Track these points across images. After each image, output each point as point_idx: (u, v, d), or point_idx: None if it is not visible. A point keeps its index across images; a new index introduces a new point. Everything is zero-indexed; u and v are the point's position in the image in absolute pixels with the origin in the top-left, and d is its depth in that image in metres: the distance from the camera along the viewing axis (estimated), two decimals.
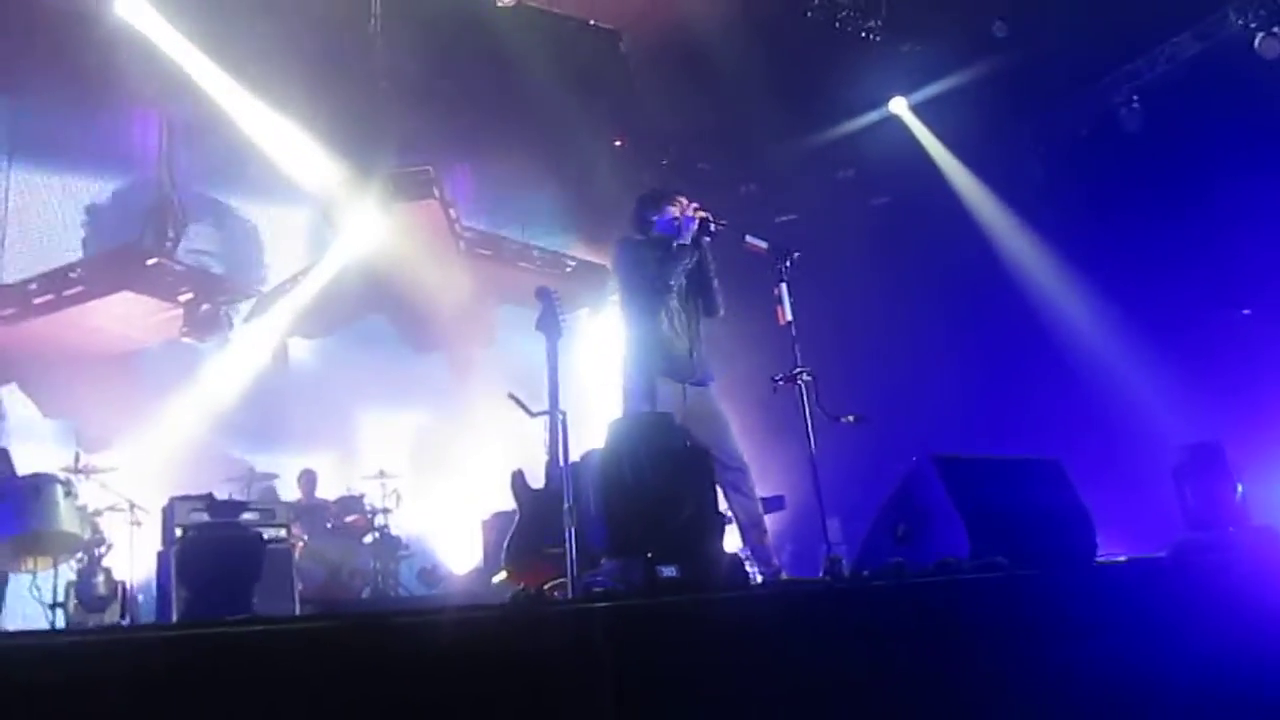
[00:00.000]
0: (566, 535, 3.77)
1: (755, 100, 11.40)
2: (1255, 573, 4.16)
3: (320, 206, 9.92)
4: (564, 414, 4.22)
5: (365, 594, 9.03)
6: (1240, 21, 9.63)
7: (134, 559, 7.52)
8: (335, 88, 9.57)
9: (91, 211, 9.89)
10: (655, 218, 5.51)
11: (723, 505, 4.56)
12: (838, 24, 10.58)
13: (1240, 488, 5.48)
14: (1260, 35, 9.43)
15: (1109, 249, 10.01)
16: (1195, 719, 3.39)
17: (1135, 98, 10.46)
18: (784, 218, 11.55)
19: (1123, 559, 4.76)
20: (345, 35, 9.58)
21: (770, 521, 8.49)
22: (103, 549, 7.23)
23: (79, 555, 6.96)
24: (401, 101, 9.43)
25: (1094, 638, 3.41)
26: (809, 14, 10.36)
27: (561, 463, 3.99)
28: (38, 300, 8.73)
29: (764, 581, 4.78)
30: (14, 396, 9.30)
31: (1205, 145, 9.48)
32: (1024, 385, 10.41)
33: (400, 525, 9.77)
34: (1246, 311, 8.07)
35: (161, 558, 6.46)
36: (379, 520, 9.56)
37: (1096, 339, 10.13)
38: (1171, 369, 9.12)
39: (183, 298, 8.92)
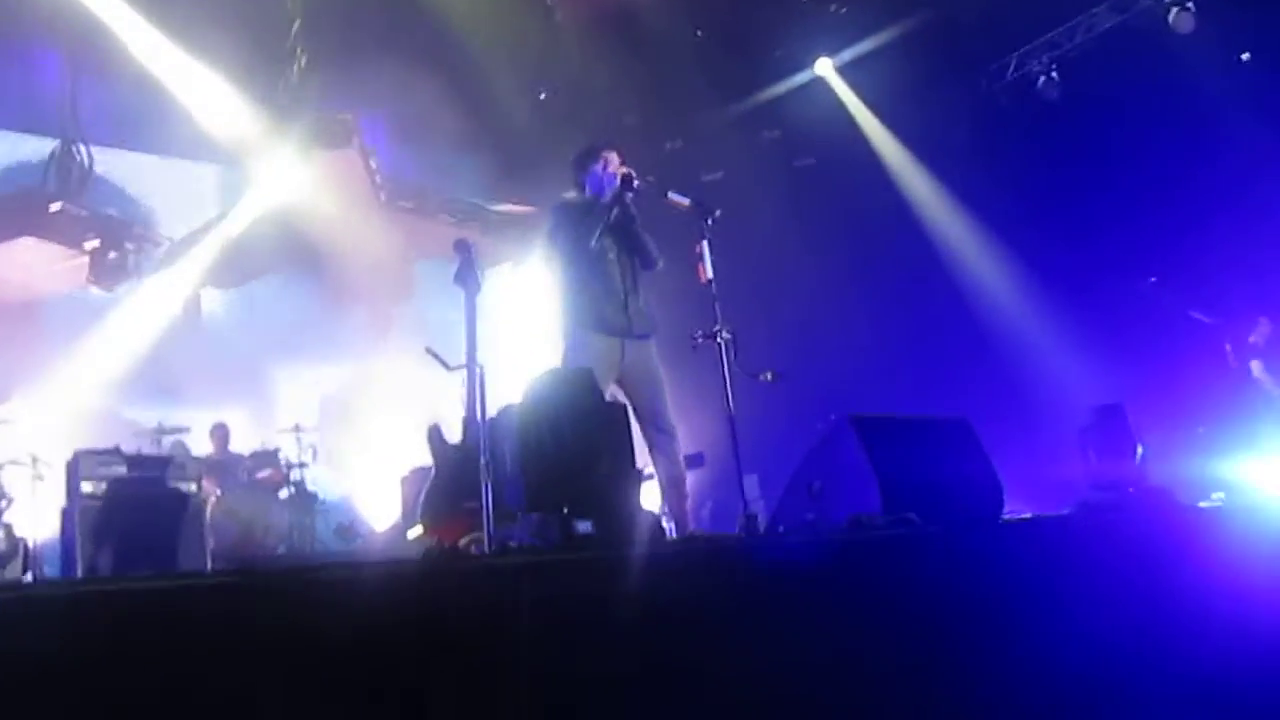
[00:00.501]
0: (483, 490, 3.74)
1: (683, 56, 11.36)
2: (1151, 532, 4.30)
3: (233, 154, 9.60)
4: (482, 368, 4.18)
5: (280, 550, 8.91)
6: None
7: (36, 515, 7.30)
8: (251, 31, 9.25)
9: None
10: (583, 176, 5.56)
11: (641, 462, 4.59)
12: None
13: (1141, 449, 5.66)
14: (1174, 10, 9.63)
15: (1025, 215, 10.22)
16: (1093, 673, 3.50)
17: (1054, 67, 10.62)
18: (709, 176, 11.54)
19: (1027, 516, 4.90)
20: None
21: (689, 478, 8.60)
22: (2, 504, 7.01)
23: None
24: (320, 48, 9.16)
25: (998, 593, 3.50)
26: None
27: (479, 418, 3.96)
28: None
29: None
30: None
31: (1119, 117, 9.70)
32: (938, 346, 10.64)
33: (317, 481, 9.64)
34: (1153, 279, 8.31)
35: (66, 514, 6.28)
36: (295, 475, 9.43)
37: (1010, 303, 10.37)
38: (1081, 333, 9.39)
39: (89, 245, 8.57)
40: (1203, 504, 5.64)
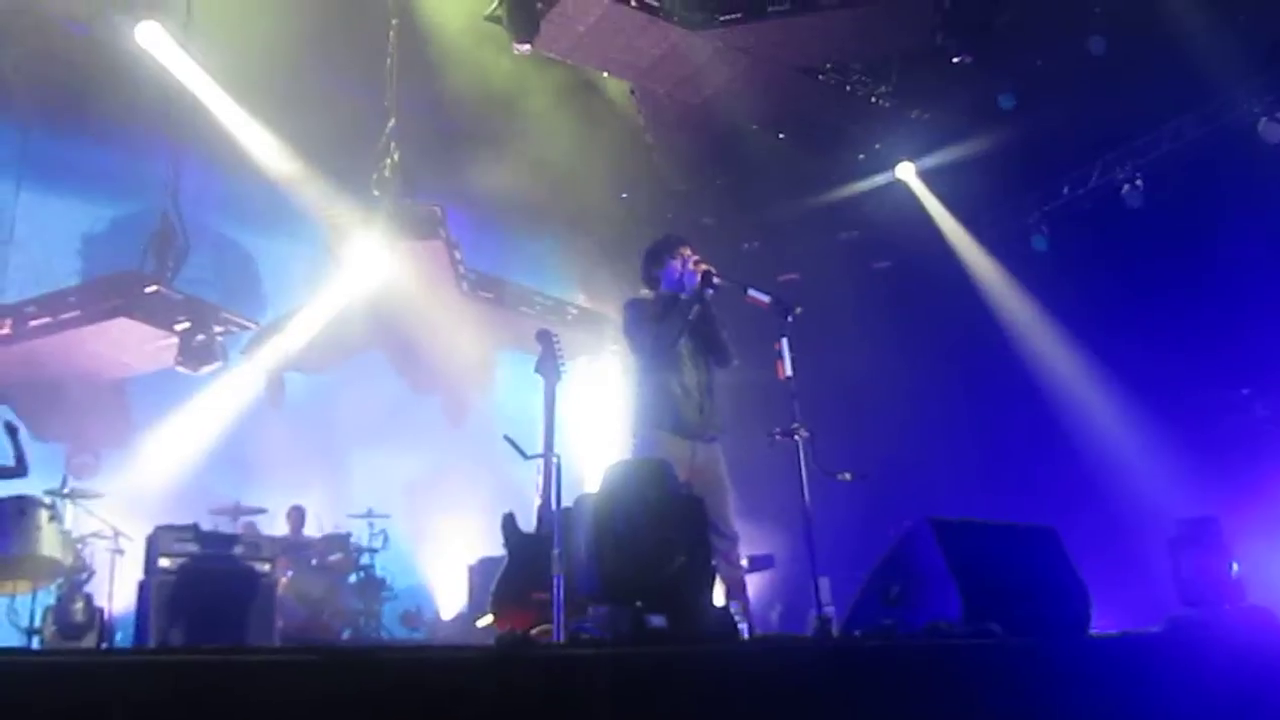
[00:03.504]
0: (555, 580, 3.72)
1: (762, 159, 11.53)
2: (1248, 651, 4.11)
3: (323, 241, 9.92)
4: (558, 458, 4.19)
5: (346, 635, 8.93)
6: (1244, 105, 9.76)
7: (115, 587, 7.44)
8: (345, 122, 9.65)
9: (93, 237, 9.92)
10: (659, 272, 5.54)
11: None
12: (849, 88, 10.71)
13: (1235, 565, 5.43)
14: (1263, 120, 9.54)
15: (1110, 323, 10.04)
16: None
17: (1138, 175, 10.54)
18: (785, 276, 11.59)
19: (1116, 633, 4.71)
20: (358, 72, 9.69)
21: (759, 580, 8.47)
22: (84, 575, 7.15)
23: (59, 581, 6.88)
24: (410, 139, 9.49)
25: (1085, 711, 3.36)
26: (821, 76, 10.48)
27: (554, 506, 3.95)
28: (34, 323, 8.67)
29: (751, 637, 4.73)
30: (5, 418, 9.25)
31: (1206, 225, 9.55)
32: (1022, 453, 10.42)
33: (386, 567, 9.69)
34: (1245, 391, 8.08)
35: (142, 586, 6.37)
36: (364, 560, 9.50)
37: (1096, 410, 10.13)
38: (1170, 444, 9.11)
39: (179, 327, 8.85)
40: None
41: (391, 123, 9.31)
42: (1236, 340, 9.16)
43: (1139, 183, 10.52)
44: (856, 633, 4.33)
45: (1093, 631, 4.52)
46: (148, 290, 8.68)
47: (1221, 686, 3.70)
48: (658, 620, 3.19)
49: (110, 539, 7.63)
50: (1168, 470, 8.94)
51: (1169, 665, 3.80)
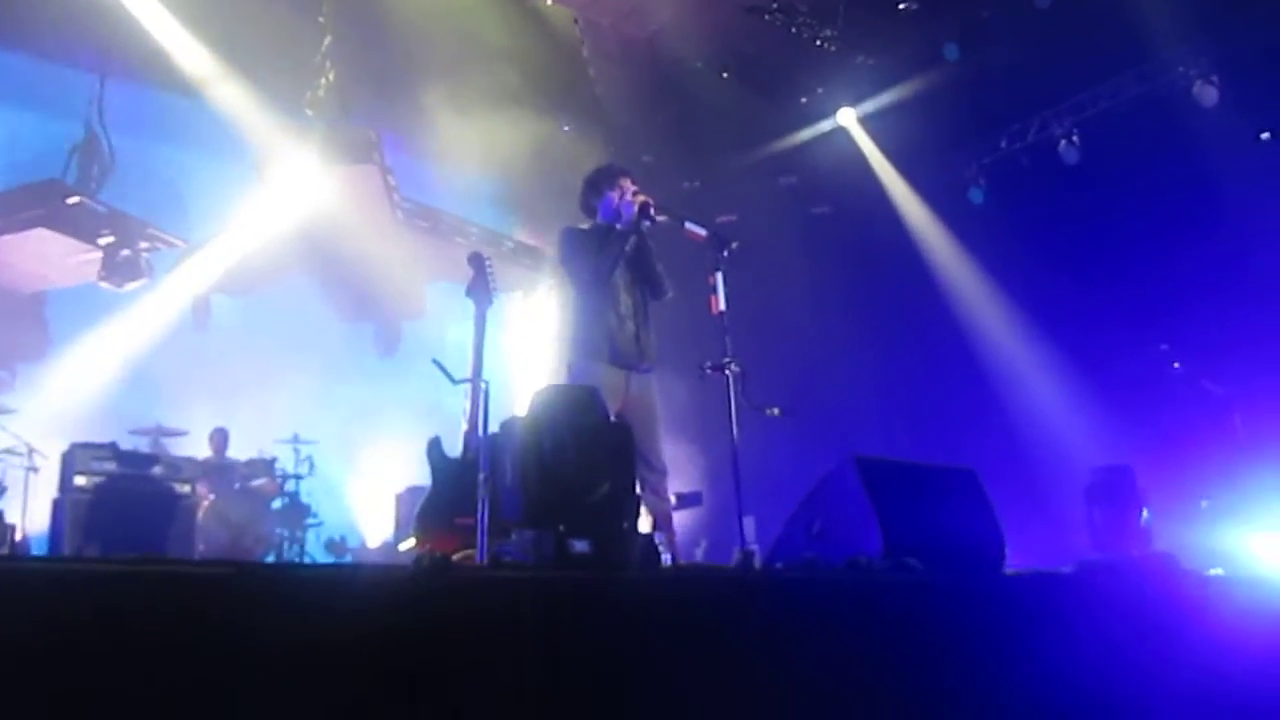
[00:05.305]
0: (479, 505, 3.70)
1: (705, 98, 11.43)
2: (1153, 596, 4.24)
3: (253, 160, 9.63)
4: (486, 384, 4.15)
5: (269, 561, 8.85)
6: (1180, 68, 9.89)
7: (29, 505, 7.28)
8: (278, 42, 9.32)
9: (12, 145, 9.51)
10: (597, 201, 5.50)
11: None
12: (794, 29, 10.63)
13: (1146, 513, 5.60)
14: (1199, 83, 9.69)
15: (1039, 274, 10.22)
16: None
17: (1075, 131, 10.67)
18: (724, 217, 11.54)
19: (1028, 571, 4.84)
20: None
21: (687, 517, 8.55)
22: None
23: None
24: (346, 62, 9.23)
25: (996, 645, 3.45)
26: (767, 16, 10.39)
27: (480, 432, 3.92)
28: None
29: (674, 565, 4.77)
30: None
31: (1138, 183, 9.72)
32: (947, 396, 10.63)
33: (312, 494, 9.60)
34: (1164, 346, 8.29)
35: (57, 505, 6.26)
36: (289, 486, 9.39)
37: (1020, 359, 10.36)
38: (1089, 395, 9.36)
39: (103, 241, 8.57)
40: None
41: (327, 41, 9.06)
42: (1159, 297, 9.39)
43: (1075, 139, 10.65)
44: (778, 565, 4.39)
45: (1007, 570, 4.63)
46: (70, 201, 8.39)
47: (1125, 625, 3.82)
48: (581, 545, 3.19)
49: (24, 456, 7.44)
50: (1087, 420, 9.20)
51: (1077, 604, 3.90)
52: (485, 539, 3.63)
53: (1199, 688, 3.75)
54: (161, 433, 8.85)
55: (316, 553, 9.51)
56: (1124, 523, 5.56)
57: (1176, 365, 8.34)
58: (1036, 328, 10.27)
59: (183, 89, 9.25)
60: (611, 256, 5.21)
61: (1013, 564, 4.74)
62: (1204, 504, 7.93)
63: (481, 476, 3.70)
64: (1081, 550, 5.52)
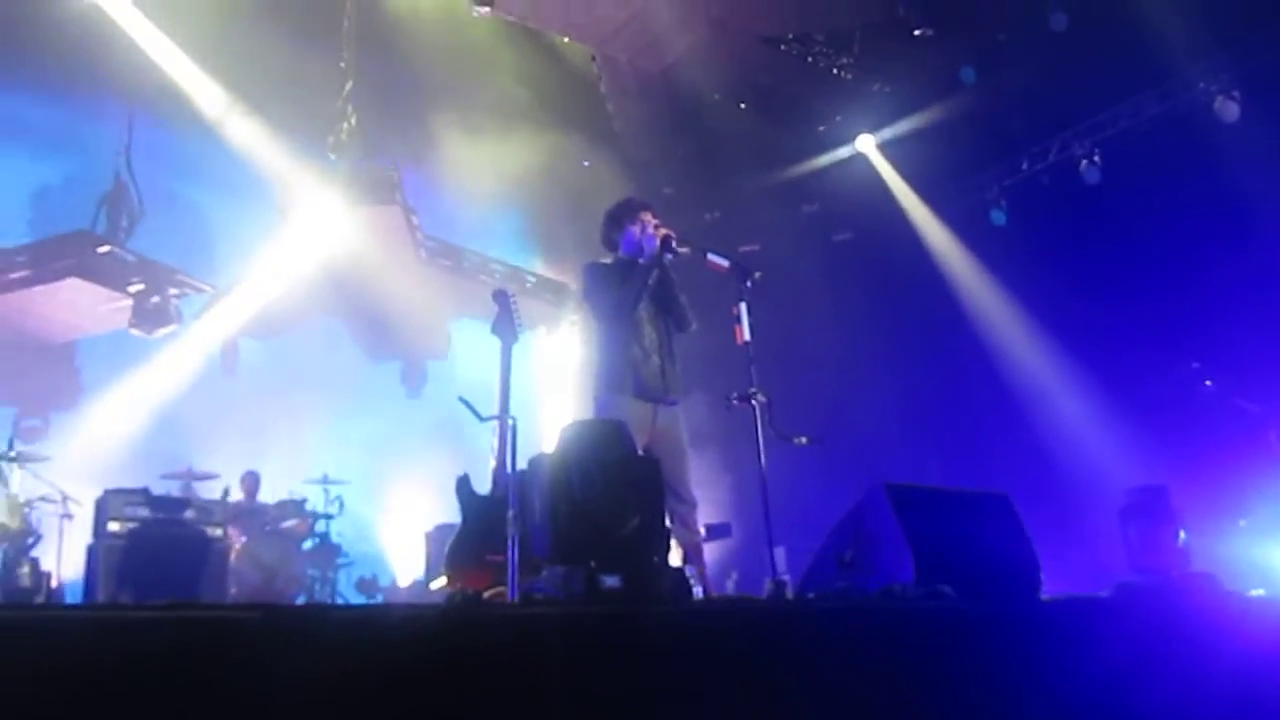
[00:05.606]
0: (509, 542, 3.69)
1: (724, 129, 11.48)
2: (1193, 618, 4.17)
3: (278, 204, 9.74)
4: (514, 420, 4.16)
5: (300, 601, 8.86)
6: (1201, 84, 9.85)
7: (63, 553, 7.33)
8: (301, 84, 9.46)
9: (43, 196, 9.68)
10: (619, 236, 5.52)
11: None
12: (810, 59, 10.69)
13: (1183, 534, 5.52)
14: (1219, 98, 9.64)
15: (1064, 295, 10.15)
16: None
17: (1097, 151, 10.62)
18: (746, 247, 11.58)
19: (1065, 596, 4.77)
20: (316, 34, 9.51)
21: (717, 548, 8.50)
22: (30, 540, 7.03)
23: (5, 545, 6.77)
24: (367, 103, 9.35)
25: (1034, 672, 3.40)
26: (783, 47, 10.45)
27: (509, 468, 3.92)
28: None
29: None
30: None
31: (1162, 201, 9.65)
32: (976, 422, 10.55)
33: (343, 534, 9.62)
34: (1195, 364, 8.19)
35: (91, 551, 6.30)
36: (320, 526, 9.42)
37: (1048, 380, 10.27)
38: (1121, 415, 9.27)
39: (133, 289, 8.70)
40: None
41: (349, 85, 9.17)
42: (1188, 315, 9.29)
43: (1097, 158, 10.61)
44: (810, 595, 4.35)
45: (1043, 596, 4.57)
46: (100, 250, 8.52)
47: (1166, 649, 3.76)
48: (612, 580, 3.18)
49: (58, 503, 7.50)
50: (1119, 440, 9.10)
51: (1116, 628, 3.84)
52: (516, 576, 3.62)
53: (1243, 710, 3.68)
54: (193, 477, 8.90)
55: (348, 593, 9.52)
56: (1161, 543, 5.47)
57: (1209, 383, 8.24)
58: (1063, 349, 10.19)
59: (207, 134, 9.39)
60: (634, 291, 5.22)
61: (1049, 588, 4.67)
62: (1242, 523, 7.81)
63: (511, 513, 3.70)
64: (1119, 572, 5.43)
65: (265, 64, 9.42)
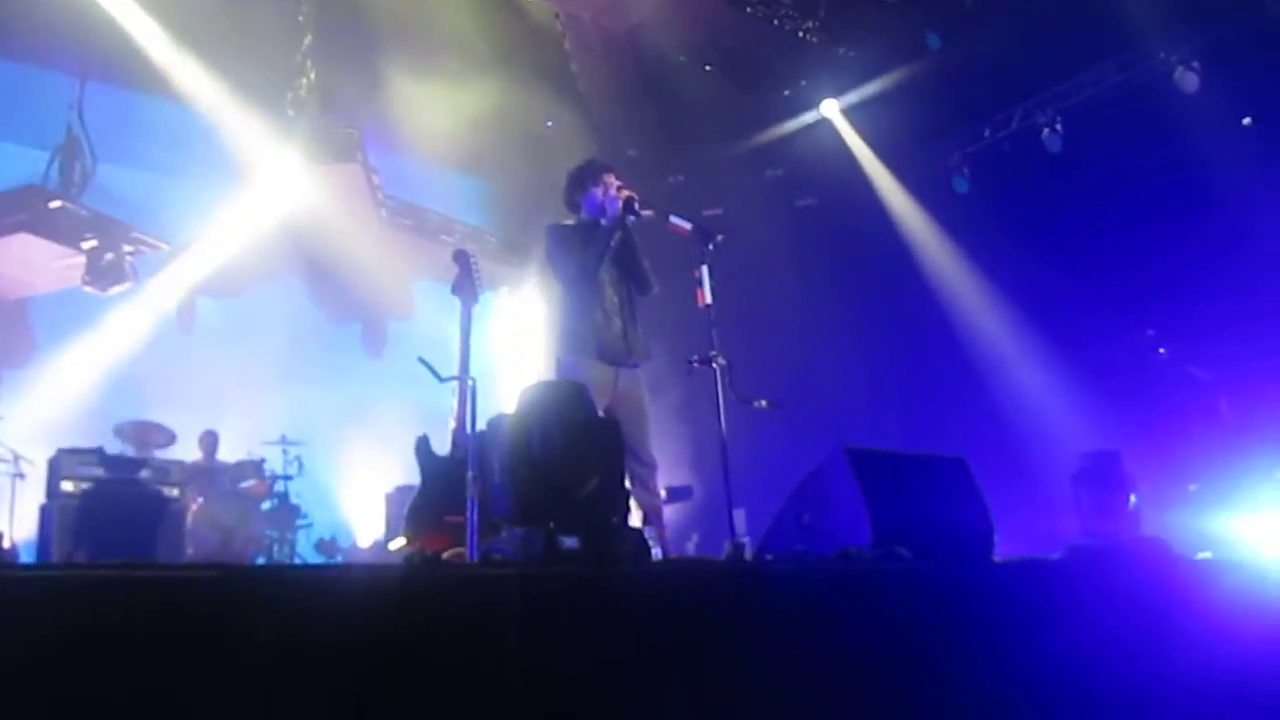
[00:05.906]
0: (469, 503, 3.69)
1: (689, 92, 11.41)
2: (1142, 580, 4.25)
3: (235, 162, 9.57)
4: (474, 380, 4.14)
5: (259, 562, 8.82)
6: (1162, 54, 9.91)
7: (16, 512, 7.23)
8: (259, 39, 9.27)
9: None
10: (581, 198, 5.49)
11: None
12: (776, 22, 10.63)
13: (1134, 498, 5.62)
14: (1180, 69, 9.71)
15: (1024, 262, 10.25)
16: (1075, 715, 3.46)
17: (1058, 119, 10.69)
18: (710, 211, 11.55)
19: (1018, 558, 4.85)
20: None
21: (677, 511, 8.55)
22: None
23: None
24: (327, 59, 9.19)
25: (987, 631, 3.45)
26: (749, 9, 10.38)
27: (468, 429, 3.91)
28: None
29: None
30: None
31: (1122, 170, 9.75)
32: (935, 385, 10.68)
33: (302, 495, 9.57)
34: (1150, 331, 8.32)
35: (44, 511, 6.22)
36: (279, 487, 9.37)
37: (1007, 346, 10.40)
38: (1077, 380, 9.41)
39: (86, 245, 8.50)
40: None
41: (308, 40, 9.01)
42: (1145, 283, 9.42)
43: (1059, 127, 10.68)
44: (769, 557, 4.39)
45: (996, 557, 4.64)
46: (52, 206, 8.31)
47: (1115, 610, 3.84)
48: (571, 541, 3.19)
49: (10, 463, 7.40)
50: (1074, 405, 9.24)
51: (1067, 590, 3.91)
52: (475, 537, 3.62)
53: (1191, 671, 3.77)
54: (148, 431, 8.78)
55: (307, 553, 9.49)
56: (1112, 507, 5.57)
57: (1162, 351, 8.38)
58: (1022, 315, 10.31)
59: (163, 90, 9.18)
60: (597, 252, 5.21)
61: (1002, 550, 4.75)
62: (1192, 488, 7.98)
63: (470, 474, 3.69)
64: (1070, 535, 5.54)
65: (222, 17, 9.22)
